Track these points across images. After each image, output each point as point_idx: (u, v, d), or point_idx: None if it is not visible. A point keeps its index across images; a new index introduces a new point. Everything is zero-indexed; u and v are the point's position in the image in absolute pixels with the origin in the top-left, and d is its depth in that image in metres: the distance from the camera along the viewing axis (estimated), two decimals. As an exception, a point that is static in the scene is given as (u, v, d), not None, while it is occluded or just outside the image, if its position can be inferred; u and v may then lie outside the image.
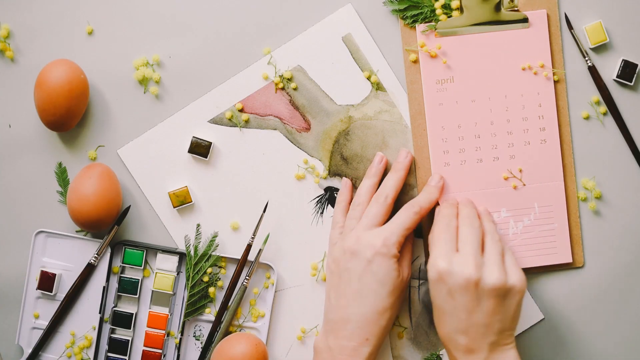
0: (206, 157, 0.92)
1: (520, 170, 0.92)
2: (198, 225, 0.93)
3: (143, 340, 0.93)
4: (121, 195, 0.91)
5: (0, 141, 0.94)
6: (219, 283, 0.93)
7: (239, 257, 0.92)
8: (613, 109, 0.93)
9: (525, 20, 0.91)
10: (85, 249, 0.93)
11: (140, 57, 0.93)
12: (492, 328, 0.82)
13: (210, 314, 0.93)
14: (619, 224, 0.94)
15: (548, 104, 0.92)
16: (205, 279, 0.92)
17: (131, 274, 0.93)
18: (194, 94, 0.93)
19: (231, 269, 0.93)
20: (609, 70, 0.93)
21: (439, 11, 0.91)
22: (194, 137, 0.92)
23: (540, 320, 0.94)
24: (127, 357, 0.93)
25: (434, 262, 0.83)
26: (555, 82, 0.92)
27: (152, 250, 0.93)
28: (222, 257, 0.93)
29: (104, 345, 0.93)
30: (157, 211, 0.93)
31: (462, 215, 0.87)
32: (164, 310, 0.93)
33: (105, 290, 0.93)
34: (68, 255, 0.93)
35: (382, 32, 0.93)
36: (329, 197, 0.93)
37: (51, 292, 0.92)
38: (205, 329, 0.93)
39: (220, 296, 0.93)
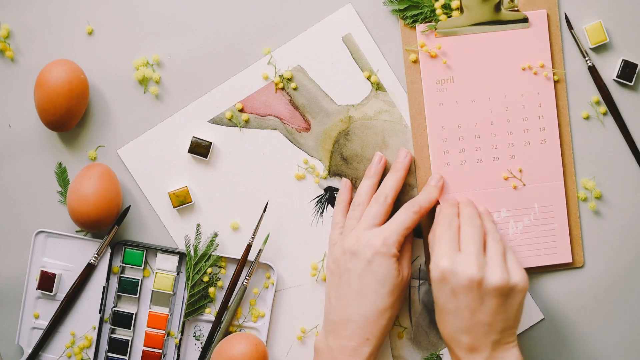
0: (206, 157, 0.92)
1: (520, 170, 0.92)
2: (198, 225, 0.93)
3: (143, 340, 0.93)
4: (121, 195, 0.91)
5: (0, 141, 0.94)
6: (219, 283, 0.93)
7: (239, 257, 0.92)
8: (613, 109, 0.93)
9: (525, 20, 0.91)
10: (85, 249, 0.93)
11: (140, 57, 0.93)
12: (495, 327, 0.82)
13: (210, 314, 0.93)
14: (619, 224, 0.94)
15: (548, 104, 0.92)
16: (205, 279, 0.92)
17: (131, 274, 0.93)
18: (194, 94, 0.93)
19: (231, 269, 0.93)
20: (609, 70, 0.93)
21: (439, 11, 0.91)
22: (194, 137, 0.92)
23: (540, 320, 0.94)
24: (127, 357, 0.93)
25: (437, 261, 0.83)
26: (555, 82, 0.92)
27: (152, 250, 0.93)
28: (222, 257, 0.93)
29: (104, 345, 0.93)
30: (157, 211, 0.93)
31: (463, 214, 0.87)
32: (164, 310, 0.93)
33: (105, 290, 0.93)
34: (68, 255, 0.93)
35: (382, 32, 0.93)
36: (329, 197, 0.93)
37: (51, 292, 0.92)
38: (205, 329, 0.93)
39: (220, 296, 0.93)
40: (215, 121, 0.93)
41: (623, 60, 0.92)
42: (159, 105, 0.93)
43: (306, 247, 0.93)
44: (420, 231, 0.93)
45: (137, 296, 0.93)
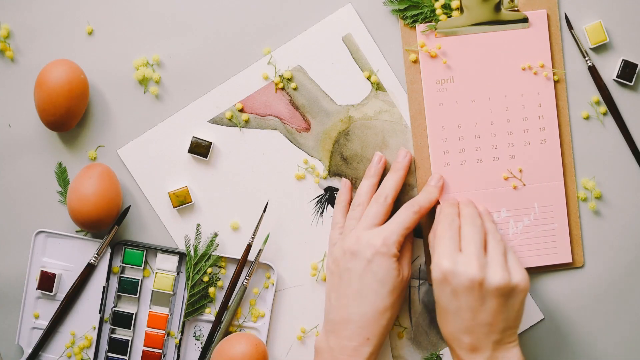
0: (206, 157, 0.92)
1: (520, 170, 0.92)
2: (198, 225, 0.93)
3: (143, 340, 0.93)
4: (121, 195, 0.91)
5: (0, 141, 0.94)
6: (219, 283, 0.93)
7: (239, 257, 0.92)
8: (613, 109, 0.93)
9: (525, 20, 0.91)
10: (85, 249, 0.93)
11: (140, 57, 0.93)
12: (496, 327, 0.82)
13: (210, 314, 0.93)
14: (619, 224, 0.94)
15: (548, 104, 0.92)
16: (205, 279, 0.92)
17: (131, 274, 0.93)
18: (194, 94, 0.93)
19: (231, 269, 0.93)
20: (609, 70, 0.93)
21: (439, 11, 0.91)
22: (194, 137, 0.92)
23: (540, 321, 0.94)
24: (127, 357, 0.93)
25: (438, 262, 0.83)
26: (555, 82, 0.92)
27: (152, 250, 0.93)
28: (222, 257, 0.93)
29: (104, 345, 0.93)
30: (157, 211, 0.93)
31: (464, 214, 0.87)
32: (164, 310, 0.93)
33: (105, 290, 0.93)
34: (68, 255, 0.93)
35: (382, 32, 0.93)
36: (329, 197, 0.93)
37: (51, 292, 0.92)
38: (205, 329, 0.93)
39: (220, 296, 0.93)
40: (215, 121, 0.93)
41: (623, 60, 0.92)
42: (159, 105, 0.93)
43: (306, 247, 0.93)
44: (420, 231, 0.93)
45: (137, 296, 0.93)
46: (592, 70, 0.92)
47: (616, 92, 0.93)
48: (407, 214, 0.87)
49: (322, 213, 0.93)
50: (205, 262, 0.92)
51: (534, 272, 0.93)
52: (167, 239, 0.94)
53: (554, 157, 0.92)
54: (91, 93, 0.93)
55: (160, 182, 0.93)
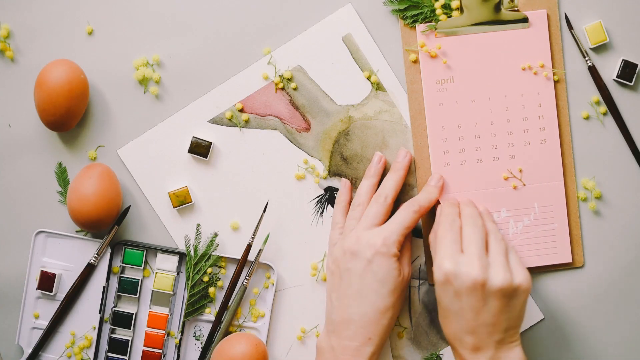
0: (206, 157, 0.92)
1: (520, 170, 0.92)
2: (198, 225, 0.93)
3: (143, 340, 0.93)
4: (121, 195, 0.91)
5: (0, 141, 0.94)
6: (219, 283, 0.93)
7: (239, 257, 0.92)
8: (613, 109, 0.93)
9: (525, 20, 0.91)
10: (85, 249, 0.93)
11: (140, 57, 0.93)
12: (498, 327, 0.82)
13: (210, 314, 0.93)
14: (619, 224, 0.94)
15: (548, 104, 0.92)
16: (205, 279, 0.92)
17: (131, 274, 0.93)
18: (194, 94, 0.93)
19: (231, 269, 0.93)
20: (609, 70, 0.93)
21: (439, 11, 0.91)
22: (194, 137, 0.92)
23: (540, 320, 0.94)
24: (127, 357, 0.93)
25: (440, 263, 0.83)
26: (555, 82, 0.92)
27: (152, 250, 0.93)
28: (222, 257, 0.93)
29: (104, 345, 0.93)
30: (157, 211, 0.93)
31: (464, 214, 0.87)
32: (164, 310, 0.93)
33: (105, 290, 0.93)
34: (68, 255, 0.93)
35: (382, 32, 0.93)
36: (329, 197, 0.93)
37: (51, 292, 0.92)
38: (205, 329, 0.93)
39: (220, 296, 0.93)
40: (215, 121, 0.93)
41: (623, 60, 0.92)
42: (159, 105, 0.93)
43: (306, 247, 0.93)
44: (420, 231, 0.93)
45: (137, 296, 0.93)
46: (592, 70, 0.92)
47: (616, 92, 0.93)
48: (407, 214, 0.87)
49: (322, 213, 0.93)
50: (205, 262, 0.92)
51: (534, 272, 0.93)
52: (167, 239, 0.94)
53: (554, 157, 0.92)
54: (91, 93, 0.93)
55: (160, 182, 0.93)
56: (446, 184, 0.92)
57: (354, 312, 0.86)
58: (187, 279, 0.92)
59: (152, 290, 0.92)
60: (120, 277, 0.93)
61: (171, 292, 0.92)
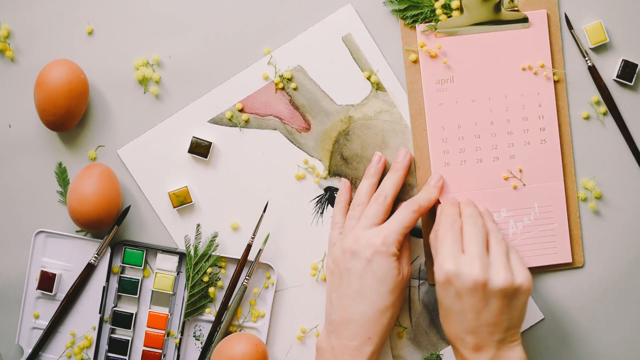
0: (206, 157, 0.92)
1: (520, 170, 0.92)
2: (198, 225, 0.93)
3: (143, 340, 0.93)
4: (121, 195, 0.91)
5: (0, 141, 0.94)
6: (219, 283, 0.93)
7: (239, 257, 0.92)
8: (613, 109, 0.93)
9: (525, 20, 0.91)
10: (85, 249, 0.93)
11: (140, 57, 0.93)
12: (500, 327, 0.82)
13: (210, 314, 0.93)
14: (619, 224, 0.94)
15: (548, 104, 0.92)
16: (205, 279, 0.92)
17: (131, 274, 0.93)
18: (194, 94, 0.93)
19: (231, 269, 0.93)
20: (609, 70, 0.93)
21: (439, 11, 0.91)
22: (194, 137, 0.92)
23: (540, 320, 0.94)
24: (127, 357, 0.93)
25: (441, 264, 0.83)
26: (555, 82, 0.92)
27: (152, 250, 0.93)
28: (222, 257, 0.93)
29: (104, 345, 0.93)
30: (157, 211, 0.93)
31: (465, 214, 0.87)
32: (164, 310, 0.93)
33: (105, 290, 0.93)
34: (68, 255, 0.93)
35: (382, 32, 0.93)
36: (329, 197, 0.93)
37: (51, 292, 0.92)
38: (205, 329, 0.93)
39: (220, 296, 0.93)
40: (215, 121, 0.93)
41: (623, 60, 0.92)
42: (159, 105, 0.93)
43: (306, 247, 0.93)
44: (419, 231, 0.93)
45: (137, 296, 0.93)
46: (592, 70, 0.92)
47: (616, 92, 0.93)
48: (406, 213, 0.87)
49: (322, 213, 0.93)
50: (205, 262, 0.92)
51: (534, 272, 0.93)
52: (167, 239, 0.94)
53: (554, 157, 0.92)
54: (91, 93, 0.93)
55: (160, 182, 0.93)
56: (446, 184, 0.92)
57: (353, 312, 0.86)
58: (187, 279, 0.92)
59: (152, 290, 0.92)
60: (120, 277, 0.93)
61: (171, 292, 0.92)
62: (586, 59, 0.92)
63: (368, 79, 0.93)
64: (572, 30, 0.92)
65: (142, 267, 0.93)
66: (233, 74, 0.93)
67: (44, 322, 0.93)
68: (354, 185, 0.93)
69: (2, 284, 0.94)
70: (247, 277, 0.92)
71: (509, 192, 0.92)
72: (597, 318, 0.94)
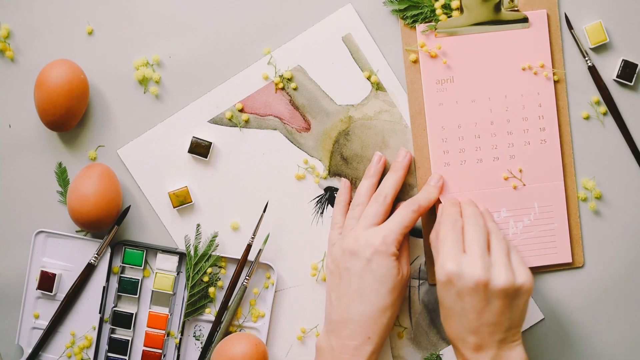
0: (206, 157, 0.92)
1: (520, 170, 0.92)
2: (198, 225, 0.93)
3: (143, 340, 0.93)
4: (121, 195, 0.91)
5: (0, 141, 0.94)
6: (219, 283, 0.93)
7: (239, 257, 0.92)
8: (613, 109, 0.93)
9: (525, 20, 0.91)
10: (85, 249, 0.93)
11: (140, 57, 0.93)
12: (501, 327, 0.82)
13: (210, 314, 0.93)
14: (619, 224, 0.94)
15: (548, 104, 0.92)
16: (205, 279, 0.92)
17: (131, 274, 0.93)
18: (194, 94, 0.93)
19: (231, 269, 0.93)
20: (609, 70, 0.93)
21: (439, 11, 0.91)
22: (194, 137, 0.92)
23: (541, 320, 0.94)
24: (127, 357, 0.93)
25: (443, 264, 0.83)
26: (555, 82, 0.92)
27: (152, 250, 0.93)
28: (222, 257, 0.93)
29: (104, 345, 0.93)
30: (157, 211, 0.93)
31: (466, 214, 0.87)
32: (164, 310, 0.93)
33: (105, 290, 0.93)
34: (68, 255, 0.93)
35: (382, 32, 0.93)
36: (329, 197, 0.93)
37: (51, 292, 0.92)
38: (205, 329, 0.93)
39: (220, 296, 0.93)
40: (215, 121, 0.93)
41: (623, 60, 0.92)
42: (159, 105, 0.93)
43: (306, 247, 0.93)
44: (419, 231, 0.93)
45: (137, 296, 0.93)
46: (592, 70, 0.92)
47: (616, 92, 0.93)
48: (406, 213, 0.87)
49: (322, 213, 0.93)
50: (205, 262, 0.92)
51: (534, 272, 0.93)
52: (167, 239, 0.94)
53: (554, 157, 0.92)
54: (91, 93, 0.93)
55: (160, 182, 0.93)
56: (446, 184, 0.92)
57: (353, 312, 0.86)
58: (187, 279, 0.92)
59: (152, 290, 0.92)
60: (120, 277, 0.93)
61: (171, 292, 0.92)
62: (586, 59, 0.92)
63: (368, 79, 0.93)
64: (572, 30, 0.92)
65: (142, 267, 0.93)
66: (233, 74, 0.93)
67: (44, 322, 0.93)
68: (353, 185, 0.93)
69: (2, 284, 0.94)
70: (247, 277, 0.92)
71: (509, 192, 0.92)
72: (597, 318, 0.94)
